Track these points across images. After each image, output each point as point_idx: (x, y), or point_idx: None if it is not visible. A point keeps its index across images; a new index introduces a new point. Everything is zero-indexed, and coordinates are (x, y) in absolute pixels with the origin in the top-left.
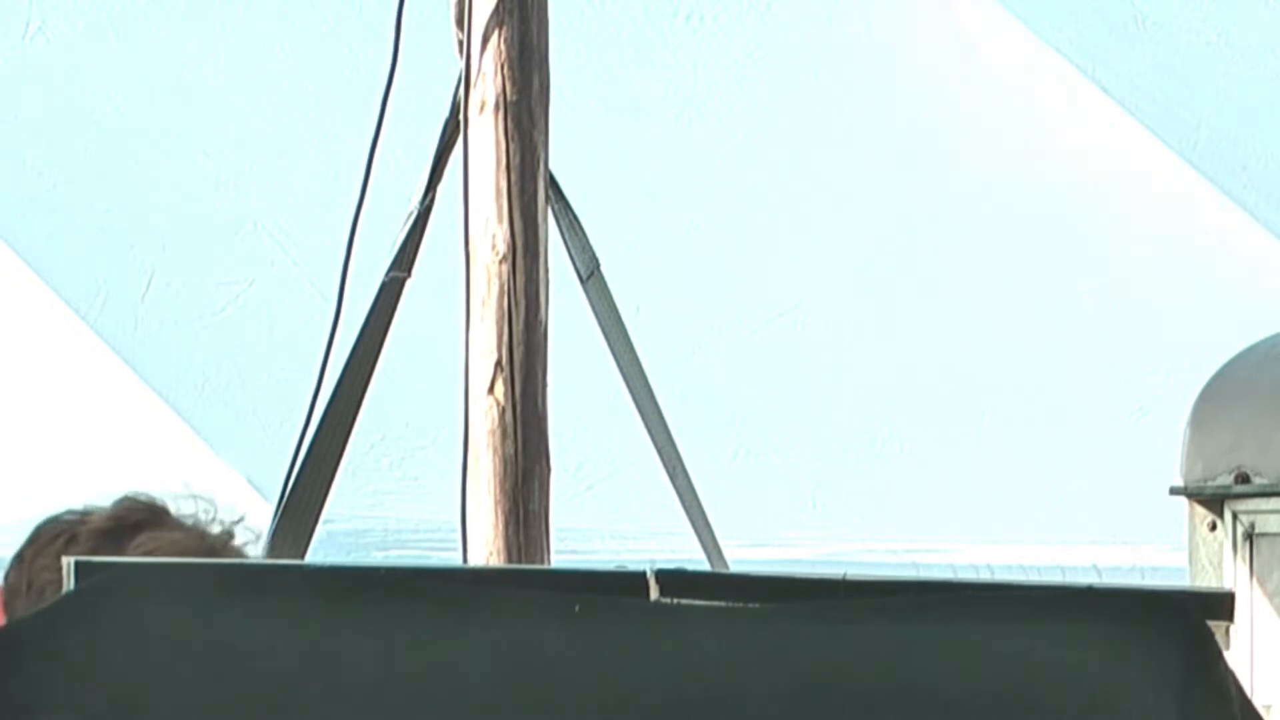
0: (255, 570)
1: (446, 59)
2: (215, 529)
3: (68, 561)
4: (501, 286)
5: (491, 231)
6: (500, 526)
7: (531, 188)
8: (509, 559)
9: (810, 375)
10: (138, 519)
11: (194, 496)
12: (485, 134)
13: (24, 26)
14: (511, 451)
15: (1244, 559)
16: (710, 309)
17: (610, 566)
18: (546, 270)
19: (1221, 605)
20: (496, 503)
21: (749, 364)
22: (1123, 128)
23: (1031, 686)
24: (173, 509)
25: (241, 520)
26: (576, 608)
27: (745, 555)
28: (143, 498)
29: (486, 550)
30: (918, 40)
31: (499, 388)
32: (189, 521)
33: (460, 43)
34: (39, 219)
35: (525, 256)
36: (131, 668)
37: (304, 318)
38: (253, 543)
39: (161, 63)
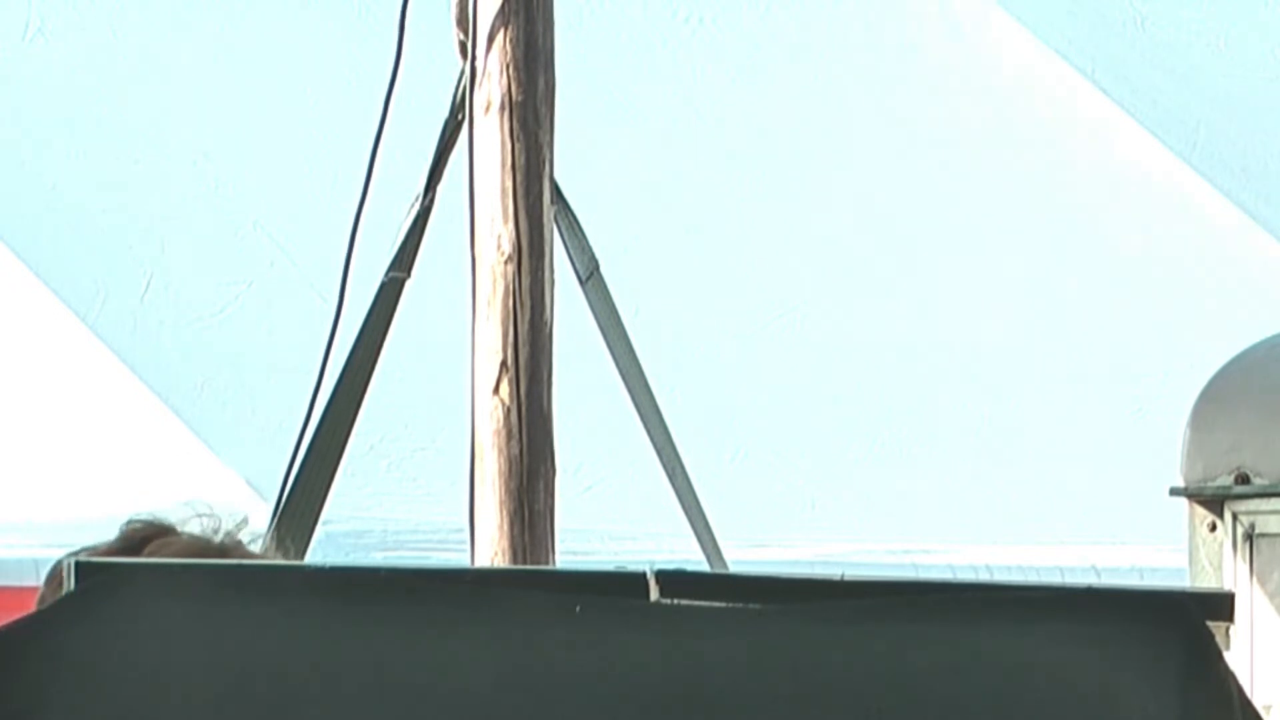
0: (255, 571)
1: (446, 59)
2: (218, 539)
3: (68, 562)
4: (507, 287)
5: (497, 232)
6: (505, 526)
7: (537, 188)
8: (514, 559)
9: (810, 375)
10: (144, 535)
11: (198, 515)
12: (490, 134)
13: (24, 27)
14: (517, 452)
15: (1244, 559)
16: (710, 309)
17: (610, 567)
18: (552, 270)
19: (1221, 605)
20: (501, 503)
21: (749, 364)
22: (1123, 128)
23: (1031, 687)
24: (177, 525)
25: (244, 521)
26: (578, 609)
27: (744, 556)
28: (145, 516)
29: (492, 550)
30: (917, 41)
31: (504, 388)
32: (197, 532)
33: (461, 43)
34: (39, 219)
35: (530, 257)
36: (131, 668)
37: (304, 318)
38: (256, 540)
39: (161, 63)
